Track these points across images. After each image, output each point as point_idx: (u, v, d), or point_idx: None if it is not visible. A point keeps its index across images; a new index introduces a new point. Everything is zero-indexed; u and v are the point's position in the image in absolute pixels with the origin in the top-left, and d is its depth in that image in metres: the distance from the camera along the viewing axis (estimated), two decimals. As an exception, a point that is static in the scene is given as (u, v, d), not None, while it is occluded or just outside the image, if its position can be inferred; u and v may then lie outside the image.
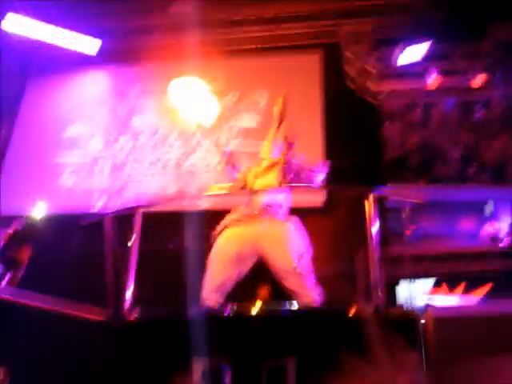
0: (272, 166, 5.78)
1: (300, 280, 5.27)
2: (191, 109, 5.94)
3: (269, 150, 5.87)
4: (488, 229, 8.52)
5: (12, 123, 10.36)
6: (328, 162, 5.90)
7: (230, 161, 5.82)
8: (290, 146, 5.71)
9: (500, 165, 9.23)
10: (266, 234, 5.41)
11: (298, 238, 5.46)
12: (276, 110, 5.94)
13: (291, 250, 5.32)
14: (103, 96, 10.45)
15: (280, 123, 5.90)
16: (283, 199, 5.65)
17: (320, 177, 5.76)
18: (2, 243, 6.66)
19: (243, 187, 5.79)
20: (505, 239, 8.46)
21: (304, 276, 5.30)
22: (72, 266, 8.17)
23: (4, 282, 6.32)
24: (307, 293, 5.25)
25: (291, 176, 5.70)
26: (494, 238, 8.48)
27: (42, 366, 5.33)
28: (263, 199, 5.52)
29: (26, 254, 6.46)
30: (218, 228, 5.59)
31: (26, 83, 10.74)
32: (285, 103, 5.94)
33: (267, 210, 5.51)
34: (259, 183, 5.71)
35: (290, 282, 5.28)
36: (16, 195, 9.45)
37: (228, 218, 5.62)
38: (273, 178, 5.72)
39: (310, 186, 5.83)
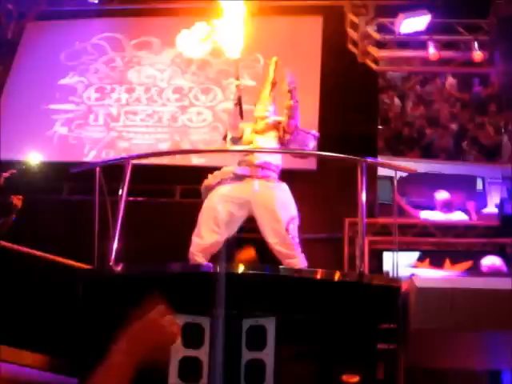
0: (273, 125, 5.75)
1: (288, 243, 5.28)
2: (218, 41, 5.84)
3: (264, 109, 5.83)
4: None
5: (8, 67, 10.27)
6: (319, 133, 5.90)
7: (240, 100, 5.75)
8: (291, 93, 5.63)
9: (494, 143, 9.25)
10: (259, 195, 5.40)
11: (288, 203, 5.46)
12: (271, 69, 5.91)
13: (283, 213, 5.33)
14: (101, 46, 10.36)
15: (275, 83, 5.86)
16: (277, 161, 5.63)
17: (312, 142, 5.76)
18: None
19: (238, 141, 5.75)
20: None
21: (292, 240, 5.31)
22: (61, 214, 8.20)
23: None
24: (294, 256, 5.27)
25: (289, 137, 5.68)
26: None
27: (24, 310, 5.38)
28: (257, 159, 5.50)
29: (18, 201, 6.45)
30: (209, 182, 5.56)
31: (24, 27, 10.63)
32: (278, 63, 5.90)
33: (262, 170, 5.49)
34: (258, 140, 5.67)
35: (278, 245, 5.28)
36: (9, 140, 9.41)
37: (220, 174, 5.59)
38: (272, 137, 5.70)
39: (304, 150, 5.82)
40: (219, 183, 5.51)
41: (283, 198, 5.44)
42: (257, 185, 5.43)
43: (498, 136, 9.28)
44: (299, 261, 5.26)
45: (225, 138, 5.83)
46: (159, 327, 1.60)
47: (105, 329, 3.93)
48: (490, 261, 6.76)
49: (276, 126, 5.73)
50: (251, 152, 5.56)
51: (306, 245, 5.53)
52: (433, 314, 4.93)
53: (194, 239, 5.35)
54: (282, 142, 5.71)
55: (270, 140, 5.68)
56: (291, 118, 5.58)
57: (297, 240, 5.33)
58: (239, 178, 5.49)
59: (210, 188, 5.52)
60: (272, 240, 5.29)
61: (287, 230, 5.28)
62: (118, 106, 9.81)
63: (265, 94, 5.90)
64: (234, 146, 5.72)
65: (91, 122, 9.74)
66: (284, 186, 5.52)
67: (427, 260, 7.88)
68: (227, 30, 5.70)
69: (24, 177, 7.43)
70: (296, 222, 5.39)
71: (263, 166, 5.49)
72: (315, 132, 5.90)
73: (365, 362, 5.01)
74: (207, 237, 5.31)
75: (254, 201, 5.38)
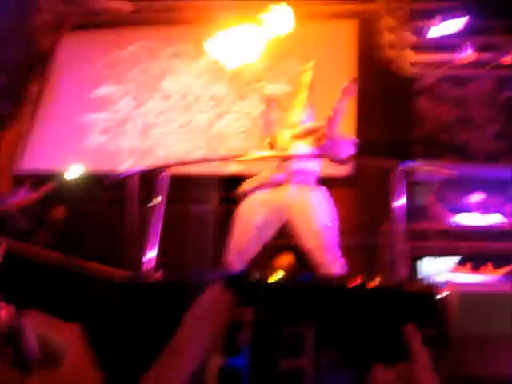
0: (310, 131, 5.71)
1: (324, 250, 5.24)
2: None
3: (301, 114, 5.81)
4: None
5: (45, 78, 10.41)
6: (357, 139, 5.84)
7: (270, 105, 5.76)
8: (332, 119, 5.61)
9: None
10: (294, 201, 5.36)
11: (326, 208, 5.41)
12: (308, 74, 5.88)
13: (318, 220, 5.28)
14: (136, 56, 10.45)
15: (310, 89, 5.84)
16: (315, 167, 5.59)
17: (351, 148, 5.69)
18: (32, 201, 6.73)
19: (272, 146, 5.72)
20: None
21: (329, 247, 5.26)
22: (98, 225, 8.26)
23: (37, 240, 6.40)
24: (331, 264, 5.23)
25: (325, 144, 5.64)
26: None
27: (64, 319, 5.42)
28: (294, 164, 5.47)
29: (59, 212, 6.52)
30: (245, 189, 5.54)
31: (60, 38, 10.77)
32: (313, 71, 5.88)
33: (297, 176, 5.46)
34: (295, 146, 5.63)
35: (314, 252, 5.25)
36: (48, 151, 9.53)
37: (257, 180, 5.58)
38: (309, 143, 5.66)
39: (340, 158, 5.77)
40: (255, 189, 5.49)
41: (320, 202, 5.39)
42: (293, 190, 5.40)
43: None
44: (337, 267, 5.22)
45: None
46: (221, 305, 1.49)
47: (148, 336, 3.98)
48: None
49: (314, 131, 5.69)
50: (288, 158, 5.54)
51: (343, 251, 5.50)
52: (472, 319, 4.87)
53: (231, 246, 5.35)
54: (319, 147, 5.66)
55: (308, 145, 5.64)
56: (330, 126, 5.55)
57: (335, 245, 5.29)
58: (275, 184, 5.47)
59: (246, 194, 5.51)
60: (309, 246, 5.25)
61: (325, 235, 5.24)
62: (154, 113, 9.88)
63: (301, 98, 5.87)
64: (270, 151, 5.71)
65: (129, 130, 9.83)
66: (322, 191, 5.47)
67: (467, 265, 7.79)
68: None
69: (64, 188, 7.50)
70: (334, 228, 5.35)
71: (300, 172, 5.46)
72: (353, 138, 5.83)
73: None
74: (243, 243, 5.30)
75: (290, 206, 5.35)
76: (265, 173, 5.58)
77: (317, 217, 5.27)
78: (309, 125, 5.71)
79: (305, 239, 5.28)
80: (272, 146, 5.72)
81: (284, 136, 5.70)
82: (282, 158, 5.55)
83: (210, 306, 1.38)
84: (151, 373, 1.31)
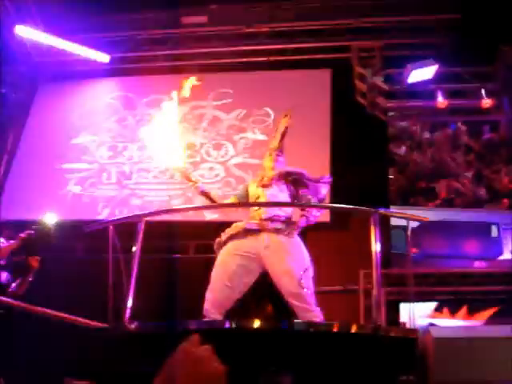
0: (278, 177, 5.73)
1: (303, 297, 5.23)
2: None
3: (272, 159, 5.83)
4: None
5: (21, 128, 10.41)
6: (331, 176, 5.86)
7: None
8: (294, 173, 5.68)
9: (508, 189, 9.19)
10: (270, 249, 5.35)
11: (301, 255, 5.41)
12: (284, 122, 5.91)
13: (295, 266, 5.27)
14: (113, 105, 10.50)
15: (284, 136, 5.87)
16: (289, 212, 5.60)
17: (325, 188, 5.71)
18: (12, 249, 6.67)
19: (245, 198, 5.75)
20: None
21: (304, 294, 5.25)
22: (75, 273, 8.20)
23: (12, 289, 6.34)
24: (310, 310, 5.21)
25: (298, 187, 5.66)
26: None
27: (41, 369, 5.35)
28: (267, 211, 5.48)
29: (35, 261, 6.47)
30: (221, 238, 5.54)
31: (36, 89, 10.81)
32: (291, 117, 5.92)
33: (272, 223, 5.46)
34: (265, 193, 5.65)
35: (292, 298, 5.23)
36: (23, 200, 9.48)
37: (231, 230, 5.57)
38: (280, 188, 5.68)
39: (315, 202, 5.77)
40: (230, 239, 5.48)
41: (294, 250, 5.38)
42: (266, 239, 5.39)
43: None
44: (315, 314, 5.20)
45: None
46: (196, 359, 1.36)
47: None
48: None
49: (284, 176, 5.71)
50: (259, 206, 5.55)
51: (322, 297, 5.48)
52: (452, 365, 4.86)
53: (208, 295, 5.31)
54: (292, 192, 5.67)
55: (278, 191, 5.66)
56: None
57: (311, 292, 5.27)
58: (249, 232, 5.46)
59: (222, 244, 5.50)
60: (286, 293, 5.24)
61: (300, 283, 5.23)
62: (130, 163, 9.90)
63: (273, 145, 5.90)
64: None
65: (104, 180, 9.83)
66: (295, 238, 5.47)
67: (445, 310, 7.80)
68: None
69: (40, 237, 7.45)
70: (310, 274, 5.33)
71: (272, 219, 5.47)
72: (327, 177, 5.83)
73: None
74: (220, 292, 5.28)
75: (264, 255, 5.33)
76: (239, 223, 5.58)
77: (291, 265, 5.25)
78: (277, 171, 5.73)
79: (281, 287, 5.26)
80: (242, 197, 5.77)
81: (253, 185, 5.74)
82: (254, 207, 5.56)
83: (184, 361, 1.27)
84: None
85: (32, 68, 10.86)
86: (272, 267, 5.30)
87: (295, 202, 5.65)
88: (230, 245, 5.44)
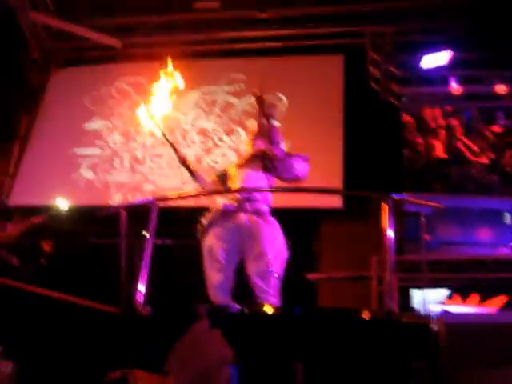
0: (256, 155, 5.73)
1: (269, 278, 5.25)
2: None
3: (250, 142, 5.85)
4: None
5: (34, 113, 10.43)
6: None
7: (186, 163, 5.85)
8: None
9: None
10: (248, 228, 5.38)
11: (279, 239, 5.44)
12: (259, 99, 5.90)
13: (269, 249, 5.30)
14: (125, 90, 10.49)
15: (259, 118, 5.87)
16: (266, 195, 5.61)
17: (300, 164, 5.68)
18: (21, 232, 6.70)
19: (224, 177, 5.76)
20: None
21: (270, 277, 5.28)
22: (87, 258, 8.23)
23: (25, 273, 6.37)
24: (270, 292, 5.24)
25: (275, 164, 5.64)
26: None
27: (53, 357, 5.36)
28: (245, 193, 5.50)
29: (48, 246, 6.50)
30: (202, 224, 5.57)
31: (49, 74, 10.82)
32: (262, 97, 5.90)
33: (249, 203, 5.48)
34: (241, 173, 5.66)
35: (257, 277, 5.26)
36: (36, 185, 9.51)
37: (210, 215, 5.59)
38: (256, 167, 5.68)
39: (294, 176, 5.72)
40: (211, 223, 5.51)
41: (271, 234, 5.40)
42: (244, 217, 5.42)
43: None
44: (273, 299, 5.22)
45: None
46: (207, 341, 1.40)
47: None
48: None
49: (260, 154, 5.71)
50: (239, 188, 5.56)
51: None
52: (464, 352, 4.84)
53: (208, 282, 5.38)
54: (267, 170, 5.66)
55: (254, 170, 5.66)
56: (273, 144, 5.61)
57: (278, 277, 5.29)
58: (228, 213, 5.48)
59: (204, 230, 5.54)
60: (253, 272, 5.26)
61: (271, 267, 5.26)
62: (142, 149, 9.90)
63: (253, 125, 5.92)
64: (222, 183, 5.73)
65: (117, 165, 9.83)
66: (274, 223, 5.49)
67: (457, 296, 7.77)
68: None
69: (52, 222, 7.47)
70: (282, 259, 5.36)
71: (250, 199, 5.48)
72: (304, 154, 5.80)
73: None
74: (215, 277, 5.32)
75: (242, 233, 5.37)
76: (217, 205, 5.60)
77: (265, 246, 5.28)
78: (253, 150, 5.74)
79: (250, 264, 5.29)
80: (223, 177, 5.78)
81: (232, 166, 5.79)
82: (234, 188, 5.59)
83: (195, 343, 1.30)
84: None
85: (45, 53, 10.86)
86: (247, 247, 5.33)
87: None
88: (212, 229, 5.47)
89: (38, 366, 5.09)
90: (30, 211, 7.99)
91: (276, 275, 5.29)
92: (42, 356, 5.24)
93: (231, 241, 5.40)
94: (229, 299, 5.27)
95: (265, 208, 5.52)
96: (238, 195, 5.49)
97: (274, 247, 5.34)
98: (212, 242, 5.42)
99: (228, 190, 5.67)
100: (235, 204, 5.48)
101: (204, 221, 5.56)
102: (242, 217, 5.43)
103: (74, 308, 5.72)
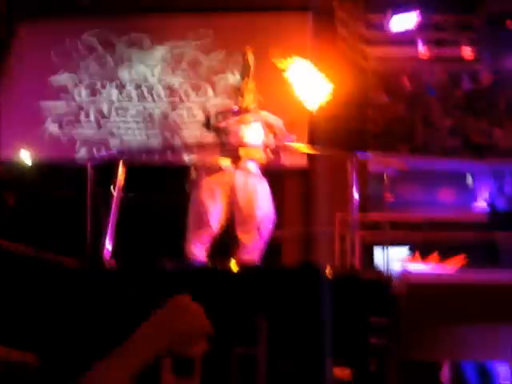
0: (260, 120, 5.78)
1: (254, 238, 5.32)
2: None
3: (250, 100, 5.87)
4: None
5: (0, 66, 10.26)
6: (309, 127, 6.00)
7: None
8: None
9: (485, 139, 9.26)
10: (242, 185, 5.44)
11: (268, 201, 5.50)
12: (250, 60, 5.94)
13: (259, 210, 5.37)
14: (91, 43, 10.35)
15: (249, 73, 5.91)
16: (262, 153, 5.66)
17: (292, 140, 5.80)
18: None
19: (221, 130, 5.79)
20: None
21: (259, 237, 5.34)
22: (52, 214, 8.19)
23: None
24: (253, 251, 5.31)
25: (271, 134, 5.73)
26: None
27: (15, 310, 5.37)
28: (240, 151, 5.53)
29: (9, 198, 6.45)
30: (194, 177, 5.59)
31: (12, 27, 10.61)
32: (252, 53, 5.96)
33: (245, 161, 5.52)
34: (244, 131, 5.69)
35: (243, 234, 5.32)
36: (1, 140, 9.40)
37: (205, 168, 5.62)
38: (259, 128, 5.73)
39: (290, 145, 5.84)
40: (204, 177, 5.54)
41: (263, 195, 5.47)
42: (238, 175, 5.45)
43: (488, 132, 9.31)
44: (253, 257, 5.29)
45: (206, 125, 5.86)
46: (187, 313, 1.39)
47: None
48: None
49: (265, 122, 5.76)
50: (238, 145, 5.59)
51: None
52: (424, 308, 4.95)
53: (189, 235, 5.39)
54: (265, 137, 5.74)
55: (257, 131, 5.70)
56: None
57: (263, 239, 5.36)
58: (223, 169, 5.51)
59: (196, 183, 5.56)
60: (239, 229, 5.32)
61: (259, 227, 5.32)
62: (108, 103, 9.81)
63: (250, 85, 5.93)
64: (217, 135, 5.75)
65: (82, 119, 9.74)
66: (265, 184, 5.55)
67: (418, 255, 7.90)
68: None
69: (15, 174, 7.41)
70: (269, 223, 5.43)
71: (247, 157, 5.52)
72: (293, 136, 5.93)
73: (357, 356, 5.03)
74: (201, 231, 5.35)
75: (235, 189, 5.41)
76: (212, 159, 5.62)
77: (256, 207, 5.34)
78: (260, 115, 5.78)
79: (239, 221, 5.35)
80: (219, 129, 5.80)
81: (233, 121, 5.80)
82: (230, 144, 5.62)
83: (174, 314, 1.30)
84: (96, 368, 1.21)
85: (7, 5, 10.65)
86: (239, 201, 5.37)
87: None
88: (204, 183, 5.49)
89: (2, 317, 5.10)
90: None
91: (263, 237, 5.35)
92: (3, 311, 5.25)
93: (223, 199, 5.43)
94: (203, 256, 5.32)
95: (257, 168, 5.56)
96: (235, 152, 5.52)
97: (264, 208, 5.39)
98: (203, 197, 5.43)
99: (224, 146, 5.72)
100: (231, 162, 5.51)
101: (196, 173, 5.58)
102: (238, 176, 5.45)
103: (35, 261, 5.72)
